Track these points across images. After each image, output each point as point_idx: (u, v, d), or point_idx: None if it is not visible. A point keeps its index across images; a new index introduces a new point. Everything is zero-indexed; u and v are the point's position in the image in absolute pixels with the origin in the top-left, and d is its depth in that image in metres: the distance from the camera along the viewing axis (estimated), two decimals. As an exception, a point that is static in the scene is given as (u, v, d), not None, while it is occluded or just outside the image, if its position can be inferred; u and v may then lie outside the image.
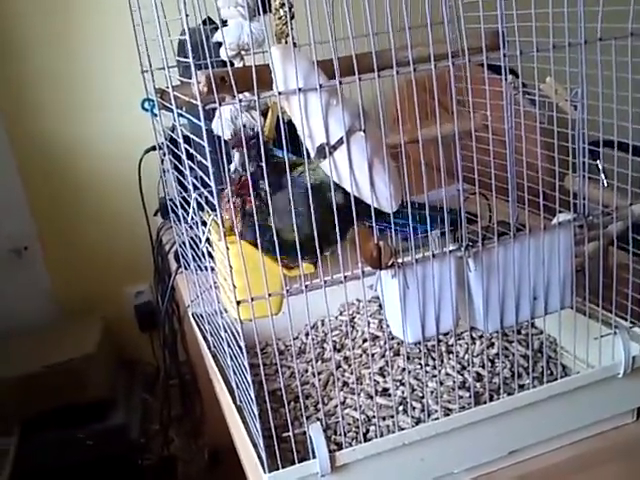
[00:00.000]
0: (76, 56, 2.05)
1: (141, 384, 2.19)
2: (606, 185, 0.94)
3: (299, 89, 0.70)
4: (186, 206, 0.92)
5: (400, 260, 0.78)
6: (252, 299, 0.74)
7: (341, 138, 0.73)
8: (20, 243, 2.14)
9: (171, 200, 1.07)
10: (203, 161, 0.74)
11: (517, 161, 0.99)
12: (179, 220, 1.03)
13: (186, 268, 1.12)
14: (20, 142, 2.07)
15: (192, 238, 0.98)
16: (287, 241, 0.76)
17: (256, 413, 0.79)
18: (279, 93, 0.71)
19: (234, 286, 0.74)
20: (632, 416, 0.93)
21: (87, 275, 2.18)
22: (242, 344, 0.77)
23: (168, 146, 1.00)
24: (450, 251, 0.81)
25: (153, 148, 1.57)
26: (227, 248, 0.73)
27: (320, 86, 0.71)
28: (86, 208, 2.16)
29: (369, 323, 1.14)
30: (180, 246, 1.12)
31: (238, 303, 0.75)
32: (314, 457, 0.78)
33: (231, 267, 0.74)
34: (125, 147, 1.99)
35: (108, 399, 1.97)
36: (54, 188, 2.13)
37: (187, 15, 0.66)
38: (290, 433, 0.78)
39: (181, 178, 0.94)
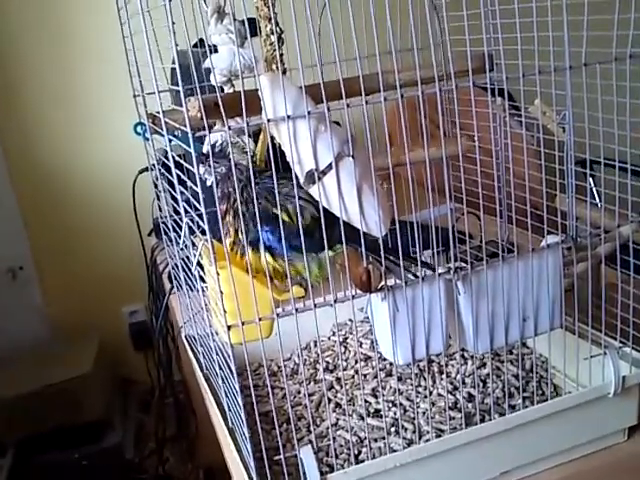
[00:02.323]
0: (74, 77, 2.07)
1: (136, 403, 2.19)
2: (600, 206, 0.94)
3: (288, 116, 0.71)
4: (178, 229, 0.93)
5: (390, 283, 0.79)
6: (242, 323, 0.74)
7: (330, 164, 0.74)
8: (15, 263, 2.15)
9: (164, 222, 1.07)
10: (193, 187, 0.75)
11: (507, 182, 0.99)
12: (171, 242, 1.03)
13: (179, 289, 1.12)
14: (15, 162, 2.08)
15: (184, 260, 0.98)
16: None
17: (247, 435, 0.79)
18: (268, 120, 0.71)
19: (225, 311, 0.75)
20: (623, 435, 0.93)
21: (82, 294, 2.19)
22: (233, 368, 0.77)
23: (160, 169, 1.01)
24: (439, 274, 0.81)
25: (147, 169, 1.58)
26: (217, 273, 0.74)
27: (308, 113, 0.72)
28: (81, 228, 2.16)
29: (361, 344, 1.14)
30: (173, 268, 1.12)
31: (229, 328, 0.75)
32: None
33: (222, 292, 0.74)
34: (120, 167, 2.01)
35: (103, 419, 1.96)
36: (49, 207, 2.14)
37: (177, 44, 0.67)
38: (281, 456, 0.79)
39: (172, 202, 0.94)
